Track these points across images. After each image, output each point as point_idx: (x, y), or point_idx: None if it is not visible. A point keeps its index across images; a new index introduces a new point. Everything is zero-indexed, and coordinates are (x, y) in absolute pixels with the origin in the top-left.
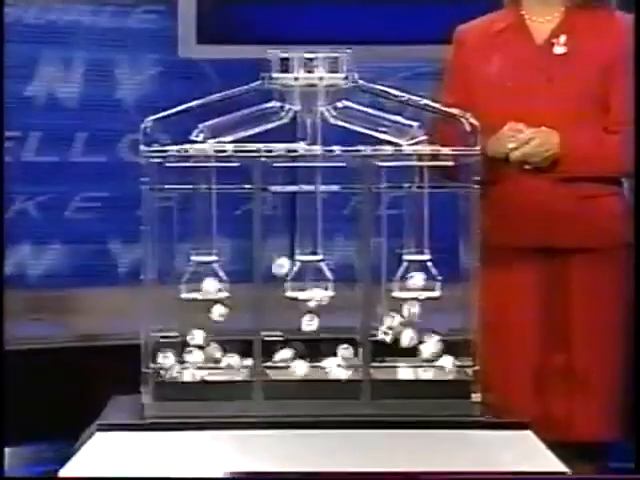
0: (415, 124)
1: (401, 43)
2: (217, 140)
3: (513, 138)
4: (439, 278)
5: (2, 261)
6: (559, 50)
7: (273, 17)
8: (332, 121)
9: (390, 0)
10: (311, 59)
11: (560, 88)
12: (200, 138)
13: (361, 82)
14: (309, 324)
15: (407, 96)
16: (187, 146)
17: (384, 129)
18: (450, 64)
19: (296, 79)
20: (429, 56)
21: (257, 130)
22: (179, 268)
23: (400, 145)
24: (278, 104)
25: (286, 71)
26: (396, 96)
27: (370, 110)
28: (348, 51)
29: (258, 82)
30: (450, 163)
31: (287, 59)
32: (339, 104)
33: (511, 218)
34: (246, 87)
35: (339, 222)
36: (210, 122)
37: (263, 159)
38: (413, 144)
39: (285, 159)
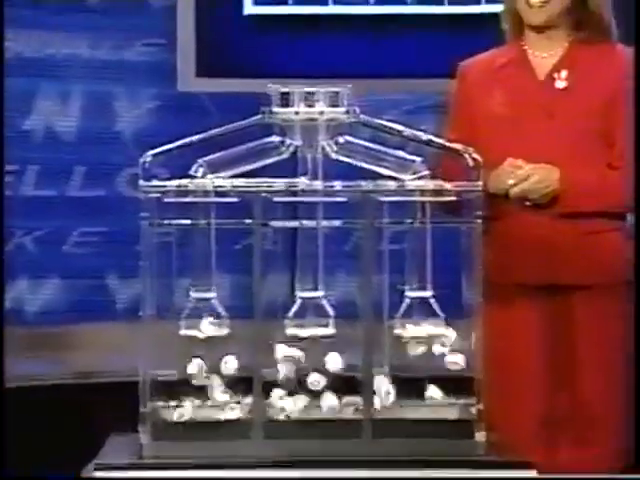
0: (417, 159)
1: (404, 76)
2: (216, 175)
3: (512, 174)
4: (442, 315)
5: (2, 295)
6: (561, 85)
7: (273, 51)
8: (333, 156)
9: (392, 33)
10: (311, 93)
11: (561, 123)
12: (199, 173)
13: (363, 116)
14: (332, 361)
15: (409, 131)
16: (186, 181)
17: (386, 164)
18: (453, 99)
19: (296, 113)
20: (432, 89)
21: (257, 165)
22: (178, 304)
23: (402, 180)
24: (278, 139)
25: (286, 105)
26: (398, 131)
27: (372, 145)
28: (349, 86)
29: (258, 116)
30: (453, 198)
31: (287, 93)
32: (340, 139)
33: (513, 254)
34: (246, 121)
35: (340, 258)
36: (210, 157)
37: (263, 194)
38: (415, 179)
39: (286, 194)
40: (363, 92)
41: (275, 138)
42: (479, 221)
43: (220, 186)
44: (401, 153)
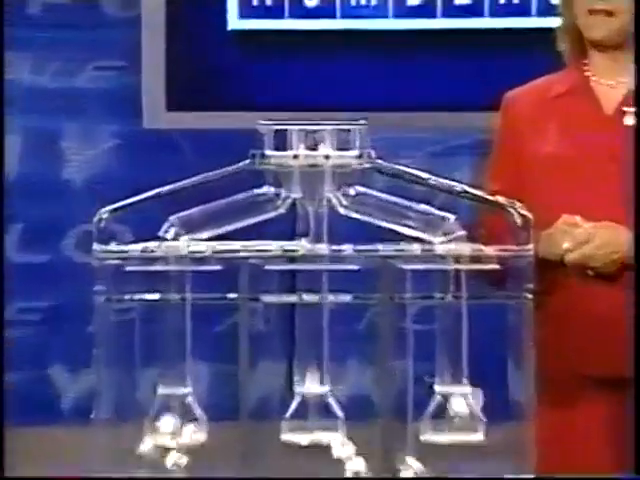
0: (450, 216)
1: (430, 109)
2: (193, 237)
3: (568, 235)
4: (482, 416)
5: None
6: (632, 121)
7: (266, 76)
8: (342, 211)
9: (416, 53)
10: (314, 132)
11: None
12: (171, 234)
13: (379, 161)
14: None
15: (439, 179)
16: (154, 244)
17: (410, 222)
18: (496, 138)
19: (295, 157)
20: (468, 126)
21: (245, 223)
22: (142, 402)
23: (430, 243)
24: (272, 190)
25: (282, 147)
26: (425, 179)
27: (391, 197)
28: (362, 122)
29: (246, 161)
30: (495, 267)
31: (284, 132)
32: (351, 190)
33: (572, 337)
34: (231, 168)
35: (352, 341)
36: (184, 213)
37: (252, 261)
38: (447, 242)
39: (281, 261)
40: (378, 129)
41: (268, 189)
42: (529, 295)
43: (197, 251)
44: (428, 208)
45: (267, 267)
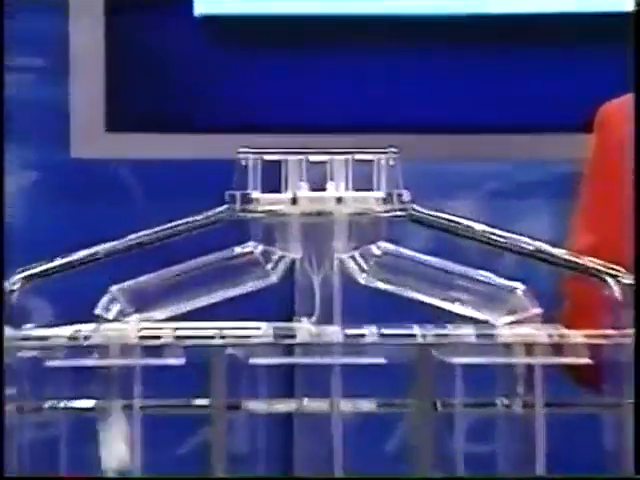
0: (518, 286)
1: (487, 130)
2: (144, 316)
3: None
4: None
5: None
6: None
7: (248, 82)
8: (362, 279)
9: (465, 50)
10: (322, 163)
11: None
12: (113, 312)
13: (415, 207)
14: None
15: (502, 232)
16: (88, 327)
17: (460, 295)
18: (588, 170)
19: (294, 202)
20: (542, 154)
21: (221, 297)
22: None
23: (491, 326)
24: (260, 248)
25: (275, 186)
26: (480, 232)
27: (433, 259)
28: (393, 150)
29: (223, 207)
30: (585, 360)
31: (276, 164)
32: (374, 248)
33: None
34: (200, 217)
35: (376, 465)
36: (132, 282)
37: (231, 351)
38: (515, 324)
39: (274, 351)
40: (414, 159)
41: (254, 246)
42: (631, 401)
43: (152, 336)
44: (488, 275)
45: (253, 360)
